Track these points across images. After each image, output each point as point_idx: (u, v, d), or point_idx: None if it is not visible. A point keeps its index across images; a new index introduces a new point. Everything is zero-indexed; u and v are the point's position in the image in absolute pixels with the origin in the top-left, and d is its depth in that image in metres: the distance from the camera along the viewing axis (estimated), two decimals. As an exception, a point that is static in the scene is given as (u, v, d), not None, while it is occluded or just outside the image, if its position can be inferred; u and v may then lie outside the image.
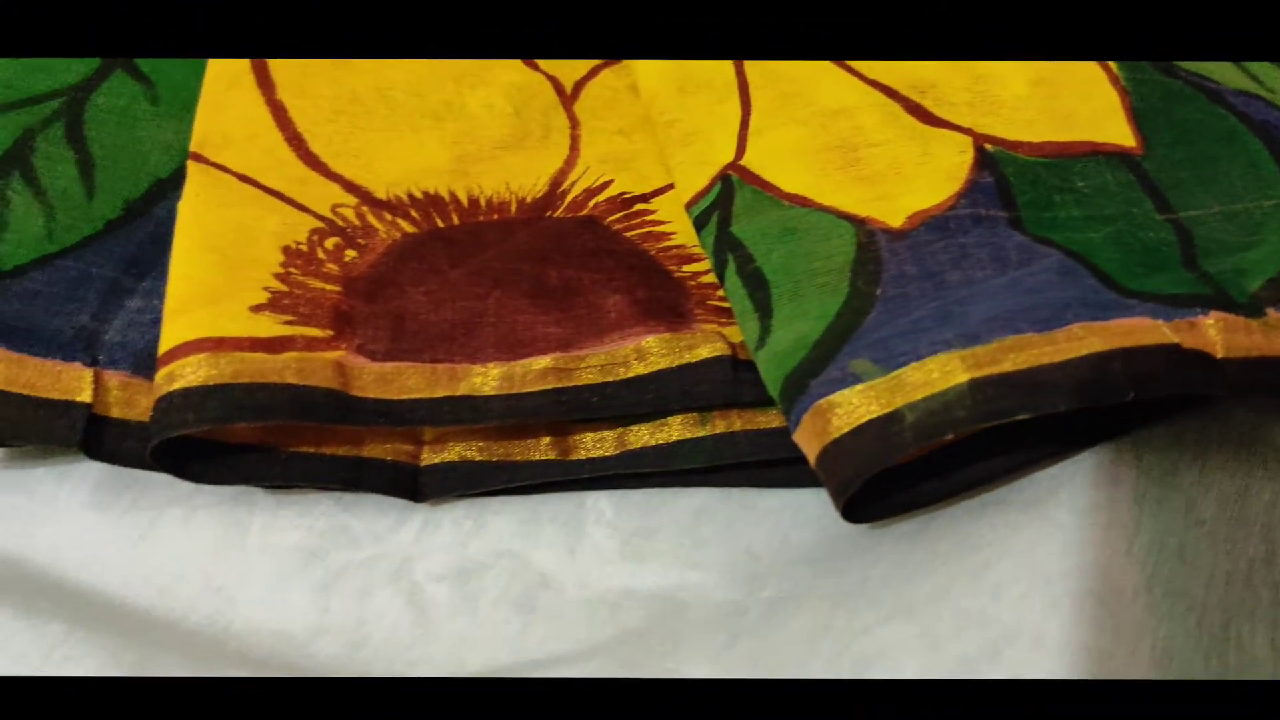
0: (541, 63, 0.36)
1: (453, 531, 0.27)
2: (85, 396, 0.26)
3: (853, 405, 0.24)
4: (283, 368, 0.26)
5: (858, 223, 0.28)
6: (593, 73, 0.36)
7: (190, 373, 0.25)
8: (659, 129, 0.33)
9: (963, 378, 0.23)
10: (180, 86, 0.33)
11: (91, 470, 0.28)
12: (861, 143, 0.30)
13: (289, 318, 0.27)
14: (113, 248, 0.29)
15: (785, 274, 0.27)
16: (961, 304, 0.25)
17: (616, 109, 0.35)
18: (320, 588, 0.26)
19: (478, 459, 0.28)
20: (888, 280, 0.26)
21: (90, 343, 0.27)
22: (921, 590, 0.23)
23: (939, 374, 0.23)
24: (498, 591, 0.26)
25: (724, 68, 0.33)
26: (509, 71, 0.35)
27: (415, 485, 0.28)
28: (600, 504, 0.28)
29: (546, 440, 0.28)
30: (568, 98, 0.35)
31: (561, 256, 0.30)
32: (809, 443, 0.24)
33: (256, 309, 0.27)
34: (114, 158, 0.31)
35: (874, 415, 0.23)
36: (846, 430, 0.24)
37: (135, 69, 0.33)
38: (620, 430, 0.28)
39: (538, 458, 0.28)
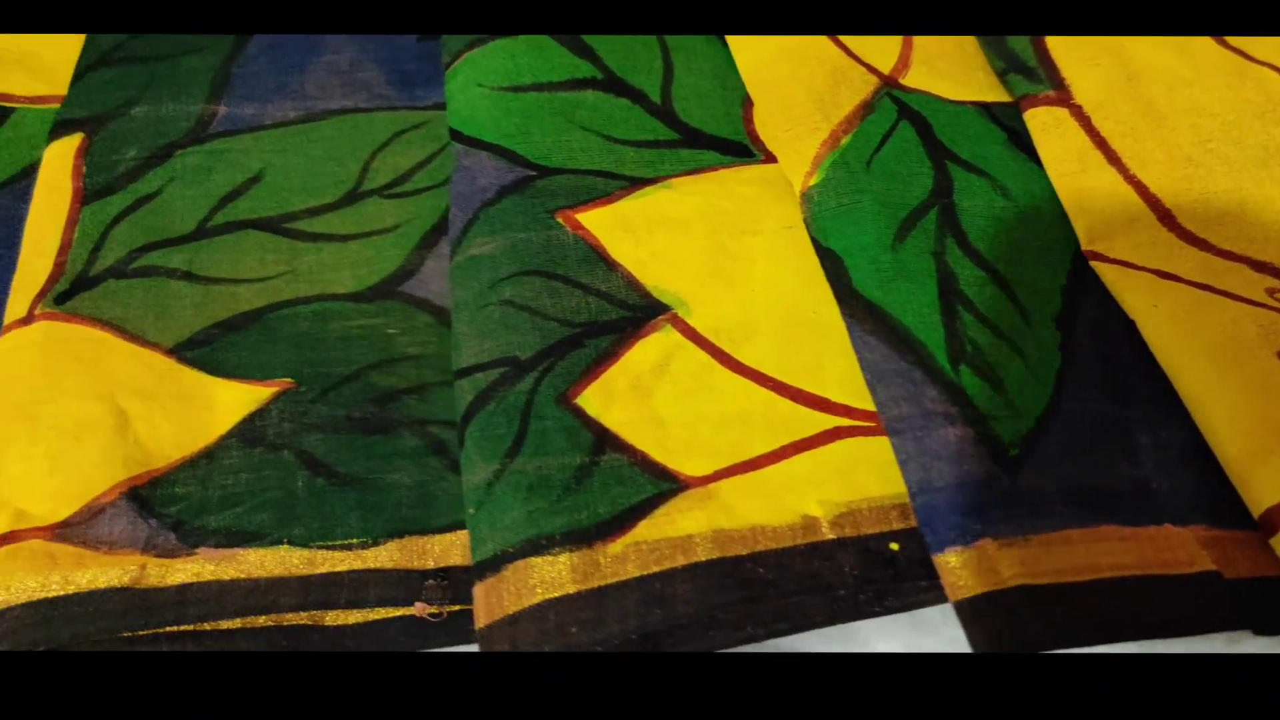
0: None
1: None
2: (1208, 564, 0.24)
3: None
4: None
5: None
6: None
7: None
8: None
9: None
10: (1013, 175, 0.30)
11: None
12: None
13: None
14: (1092, 379, 0.26)
15: None
16: None
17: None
18: None
19: None
20: None
21: (1147, 493, 0.25)
22: None
23: None
24: None
25: None
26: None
27: None
28: None
29: None
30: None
31: None
32: None
33: (1329, 437, 0.25)
34: (1017, 270, 0.28)
35: None
36: None
37: (969, 164, 0.30)
38: None
39: None
